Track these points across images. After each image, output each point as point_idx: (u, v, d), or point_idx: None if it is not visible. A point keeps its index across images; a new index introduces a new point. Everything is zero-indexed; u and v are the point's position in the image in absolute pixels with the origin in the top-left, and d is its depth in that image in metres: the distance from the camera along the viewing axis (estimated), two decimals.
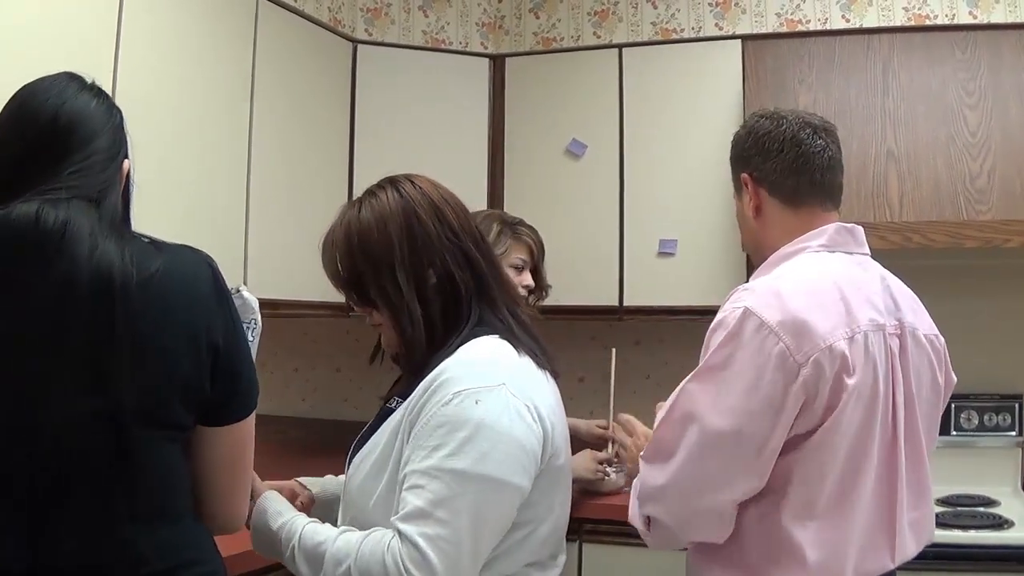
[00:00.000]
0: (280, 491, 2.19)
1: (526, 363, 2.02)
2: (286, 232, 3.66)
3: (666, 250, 4.09)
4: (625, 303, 4.15)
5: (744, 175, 2.33)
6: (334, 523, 2.04)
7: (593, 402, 4.07)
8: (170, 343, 1.67)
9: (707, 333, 2.14)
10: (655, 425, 2.17)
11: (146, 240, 1.74)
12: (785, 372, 1.98)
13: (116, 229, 1.67)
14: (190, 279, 1.74)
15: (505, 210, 4.00)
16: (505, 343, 2.01)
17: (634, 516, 2.24)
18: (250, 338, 2.01)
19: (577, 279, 4.11)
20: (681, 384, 2.11)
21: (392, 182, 2.11)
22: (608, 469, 3.55)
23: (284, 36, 3.73)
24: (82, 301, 1.56)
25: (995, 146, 3.62)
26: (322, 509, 2.31)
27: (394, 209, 2.04)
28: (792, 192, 2.26)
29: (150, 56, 2.99)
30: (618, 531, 3.27)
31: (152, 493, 1.69)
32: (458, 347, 1.98)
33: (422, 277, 2.02)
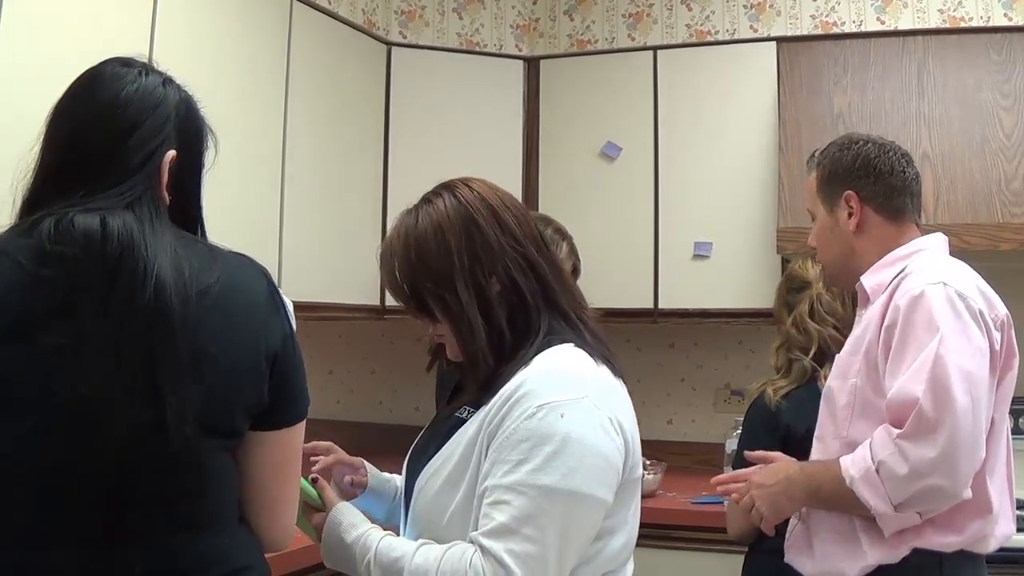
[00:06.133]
0: (339, 463, 2.24)
1: (604, 372, 1.94)
2: (321, 235, 3.68)
3: (701, 252, 4.08)
4: (660, 306, 4.15)
5: (849, 192, 2.47)
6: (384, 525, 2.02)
7: None
8: (230, 354, 1.67)
9: (900, 313, 2.25)
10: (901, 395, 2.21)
11: (202, 245, 1.74)
12: (988, 330, 2.23)
13: (167, 235, 1.65)
14: (247, 290, 1.73)
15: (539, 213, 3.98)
16: (581, 352, 1.94)
17: (880, 504, 2.21)
18: None
19: (611, 281, 4.11)
20: (926, 356, 2.17)
21: (448, 188, 2.02)
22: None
23: (318, 38, 3.76)
24: (142, 314, 1.56)
25: None
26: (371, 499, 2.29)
27: (452, 216, 1.95)
28: (899, 210, 2.47)
29: (183, 58, 2.97)
30: (654, 534, 3.27)
31: (209, 501, 1.70)
32: (533, 357, 1.91)
33: (484, 286, 1.93)
